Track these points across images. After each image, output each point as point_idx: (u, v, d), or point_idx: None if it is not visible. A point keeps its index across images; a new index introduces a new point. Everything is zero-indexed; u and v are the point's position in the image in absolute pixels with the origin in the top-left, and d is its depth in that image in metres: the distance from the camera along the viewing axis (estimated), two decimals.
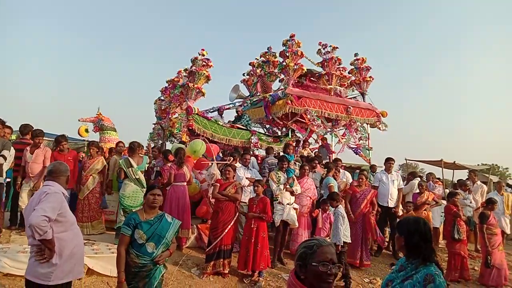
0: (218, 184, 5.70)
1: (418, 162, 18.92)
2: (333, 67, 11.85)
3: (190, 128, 8.94)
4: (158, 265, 3.23)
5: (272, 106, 10.85)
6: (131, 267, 3.18)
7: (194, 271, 5.54)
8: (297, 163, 8.38)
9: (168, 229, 3.34)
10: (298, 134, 11.92)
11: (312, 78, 12.19)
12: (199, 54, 9.13)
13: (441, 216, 8.46)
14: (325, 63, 11.94)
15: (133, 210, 5.15)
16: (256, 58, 12.74)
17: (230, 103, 11.96)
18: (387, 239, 8.02)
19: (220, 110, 11.21)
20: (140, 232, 3.21)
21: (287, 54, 10.90)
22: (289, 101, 10.30)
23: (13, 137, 7.56)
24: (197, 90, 9.01)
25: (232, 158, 7.30)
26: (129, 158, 6.35)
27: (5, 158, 5.66)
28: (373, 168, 10.16)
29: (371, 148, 12.32)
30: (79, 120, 9.57)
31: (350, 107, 11.62)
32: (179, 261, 5.60)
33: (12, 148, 5.97)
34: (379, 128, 12.48)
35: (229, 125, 9.83)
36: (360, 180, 7.05)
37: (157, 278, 3.24)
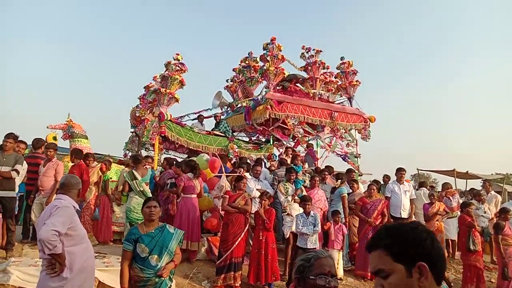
0: (227, 196, 5.68)
1: (430, 172, 18.73)
2: (317, 71, 11.60)
3: (163, 135, 8.64)
4: (163, 278, 3.21)
5: (252, 112, 10.53)
6: (136, 281, 3.17)
7: (205, 284, 5.51)
8: (306, 174, 8.33)
9: (171, 240, 3.31)
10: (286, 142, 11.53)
11: (297, 84, 11.93)
12: (174, 59, 8.85)
13: (457, 228, 8.31)
14: (309, 67, 11.66)
15: (139, 223, 5.18)
16: (239, 64, 12.49)
17: (208, 109, 11.51)
18: None
19: (200, 118, 10.93)
20: (142, 245, 3.20)
21: (268, 58, 10.61)
22: (269, 106, 10.00)
23: (26, 151, 7.64)
24: (170, 95, 8.68)
25: (242, 170, 7.29)
26: (133, 171, 6.38)
27: (18, 173, 5.72)
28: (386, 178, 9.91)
29: (359, 155, 11.95)
30: (47, 127, 8.85)
31: (334, 113, 11.21)
32: (189, 274, 5.57)
33: (24, 162, 6.05)
34: (362, 137, 12.08)
35: (205, 132, 9.57)
36: (371, 190, 6.96)
37: None
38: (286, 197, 6.57)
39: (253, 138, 12.74)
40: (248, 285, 5.61)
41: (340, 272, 6.42)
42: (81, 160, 6.81)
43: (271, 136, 11.06)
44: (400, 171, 7.78)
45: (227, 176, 7.05)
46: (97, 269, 4.26)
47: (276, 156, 10.72)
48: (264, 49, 10.82)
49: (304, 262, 1.71)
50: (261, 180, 7.04)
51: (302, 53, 11.91)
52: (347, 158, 11.62)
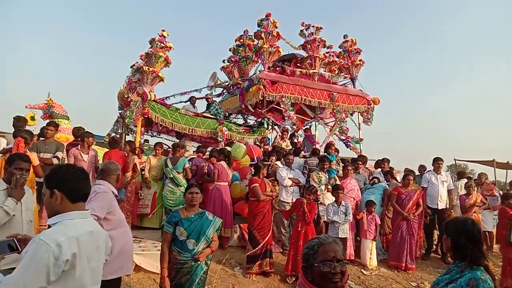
0: (257, 184, 5.67)
1: (468, 162, 18.08)
2: (316, 49, 10.89)
3: (146, 116, 8.25)
4: (199, 262, 3.29)
5: (246, 93, 10.02)
6: (173, 263, 3.29)
7: (237, 269, 5.59)
8: (339, 163, 8.21)
9: (209, 226, 3.40)
10: (287, 125, 10.88)
11: (298, 65, 11.23)
12: (159, 35, 8.39)
13: (494, 219, 8.02)
14: (308, 45, 10.94)
15: (173, 209, 5.33)
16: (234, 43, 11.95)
17: (195, 90, 10.80)
18: (435, 242, 7.71)
19: (192, 100, 10.41)
20: (181, 229, 3.30)
21: (262, 35, 10.05)
22: (262, 87, 9.44)
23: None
24: (154, 74, 8.23)
25: (274, 158, 7.30)
26: (168, 159, 6.66)
27: (58, 159, 5.97)
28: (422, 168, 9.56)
29: (362, 139, 11.33)
30: (26, 107, 8.48)
31: (334, 93, 10.54)
32: (222, 260, 5.67)
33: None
34: (364, 121, 11.41)
35: (193, 114, 9.19)
36: (408, 181, 6.79)
37: (198, 275, 3.30)
38: (319, 186, 6.52)
39: (251, 122, 12.15)
40: (280, 272, 5.65)
41: (373, 263, 6.37)
42: (115, 149, 6.92)
43: (265, 119, 10.55)
44: (437, 161, 7.50)
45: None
46: (134, 253, 4.41)
47: (269, 140, 10.37)
48: (258, 25, 10.29)
49: (308, 250, 1.69)
50: (293, 169, 7.00)
51: (301, 30, 11.19)
52: (349, 143, 10.98)
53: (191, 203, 3.45)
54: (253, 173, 6.17)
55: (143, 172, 7.20)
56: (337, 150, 8.54)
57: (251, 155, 7.55)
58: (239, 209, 6.78)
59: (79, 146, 6.45)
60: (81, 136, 6.67)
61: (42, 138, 6.27)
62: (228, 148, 7.67)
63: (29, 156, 5.05)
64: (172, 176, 6.56)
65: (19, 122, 6.40)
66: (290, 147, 9.58)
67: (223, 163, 6.61)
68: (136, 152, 7.41)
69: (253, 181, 5.74)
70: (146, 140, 8.96)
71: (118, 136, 8.67)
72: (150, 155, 7.40)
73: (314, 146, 10.25)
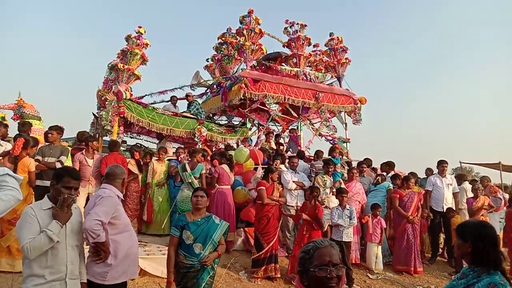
0: (264, 188, 5.64)
1: (474, 165, 17.93)
2: (301, 47, 10.68)
3: (122, 116, 7.92)
4: (205, 266, 3.27)
5: (229, 92, 9.72)
6: (180, 267, 3.26)
7: (242, 274, 5.56)
8: (344, 166, 8.17)
9: (216, 230, 3.38)
10: (273, 126, 10.82)
11: (283, 64, 11.05)
12: (136, 32, 8.15)
13: (500, 222, 7.95)
14: (292, 43, 10.72)
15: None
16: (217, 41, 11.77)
17: (173, 88, 10.18)
18: (441, 246, 7.65)
19: (173, 99, 10.05)
20: (188, 232, 3.29)
21: (244, 32, 9.88)
22: (244, 85, 9.14)
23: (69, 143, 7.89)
24: (129, 72, 7.95)
25: (278, 162, 7.27)
26: (186, 163, 6.57)
27: (62, 164, 5.95)
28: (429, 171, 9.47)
29: (349, 139, 11.14)
30: None
31: (319, 93, 10.29)
32: (227, 264, 5.64)
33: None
34: (353, 122, 11.20)
35: (171, 113, 8.88)
36: (410, 183, 6.74)
37: (204, 279, 3.28)
38: (324, 190, 6.49)
39: (235, 122, 11.81)
40: (285, 276, 5.62)
41: (379, 267, 6.33)
42: (115, 152, 6.76)
43: (247, 119, 10.35)
44: (442, 164, 7.45)
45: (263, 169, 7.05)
46: (139, 257, 4.39)
47: (251, 141, 10.17)
48: (240, 22, 10.11)
49: (304, 254, 1.66)
50: (298, 172, 6.96)
51: (285, 28, 11.01)
52: (335, 143, 10.59)
53: (196, 206, 3.43)
54: (263, 176, 6.14)
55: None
56: (341, 153, 8.47)
57: (255, 159, 7.49)
58: (246, 215, 6.72)
59: (84, 151, 6.45)
60: (85, 140, 6.67)
61: (46, 143, 6.26)
62: (231, 152, 7.67)
63: (28, 161, 5.09)
64: (190, 181, 6.46)
65: (24, 126, 6.40)
66: (275, 148, 9.43)
67: (224, 166, 6.60)
68: (135, 157, 7.29)
69: (260, 184, 5.71)
70: (124, 141, 8.78)
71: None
72: (154, 160, 7.37)
73: (299, 147, 10.19)
